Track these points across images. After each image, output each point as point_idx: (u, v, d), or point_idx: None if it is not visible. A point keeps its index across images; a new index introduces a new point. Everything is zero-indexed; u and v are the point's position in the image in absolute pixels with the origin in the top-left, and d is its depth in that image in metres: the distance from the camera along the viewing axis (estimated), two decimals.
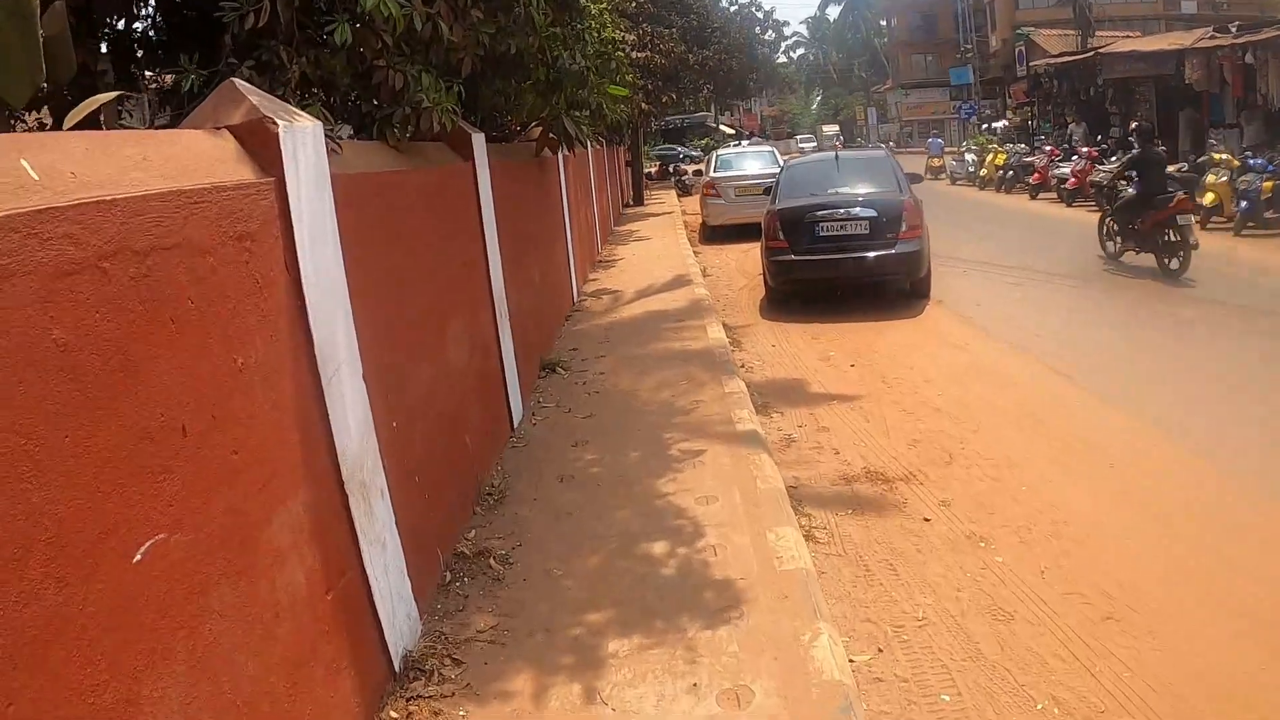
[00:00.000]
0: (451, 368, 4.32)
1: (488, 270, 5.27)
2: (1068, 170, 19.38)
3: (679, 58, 21.27)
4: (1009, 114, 32.09)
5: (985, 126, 31.98)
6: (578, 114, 7.20)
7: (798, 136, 62.92)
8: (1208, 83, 20.20)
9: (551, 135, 7.13)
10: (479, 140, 5.24)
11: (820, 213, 9.30)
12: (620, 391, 6.33)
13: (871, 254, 9.11)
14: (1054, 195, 20.07)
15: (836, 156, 10.77)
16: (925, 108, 60.97)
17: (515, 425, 5.63)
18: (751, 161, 16.65)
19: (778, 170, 15.30)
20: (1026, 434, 5.59)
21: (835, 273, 9.39)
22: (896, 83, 63.19)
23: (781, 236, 9.44)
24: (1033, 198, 20.71)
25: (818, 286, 9.70)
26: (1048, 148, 21.72)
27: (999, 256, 12.42)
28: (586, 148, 12.00)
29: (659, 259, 13.09)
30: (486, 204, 5.30)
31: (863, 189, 9.72)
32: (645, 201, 23.75)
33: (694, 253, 14.41)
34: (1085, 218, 16.48)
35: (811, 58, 76.82)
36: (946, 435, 5.64)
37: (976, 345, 7.91)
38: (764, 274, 10.17)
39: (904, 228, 9.13)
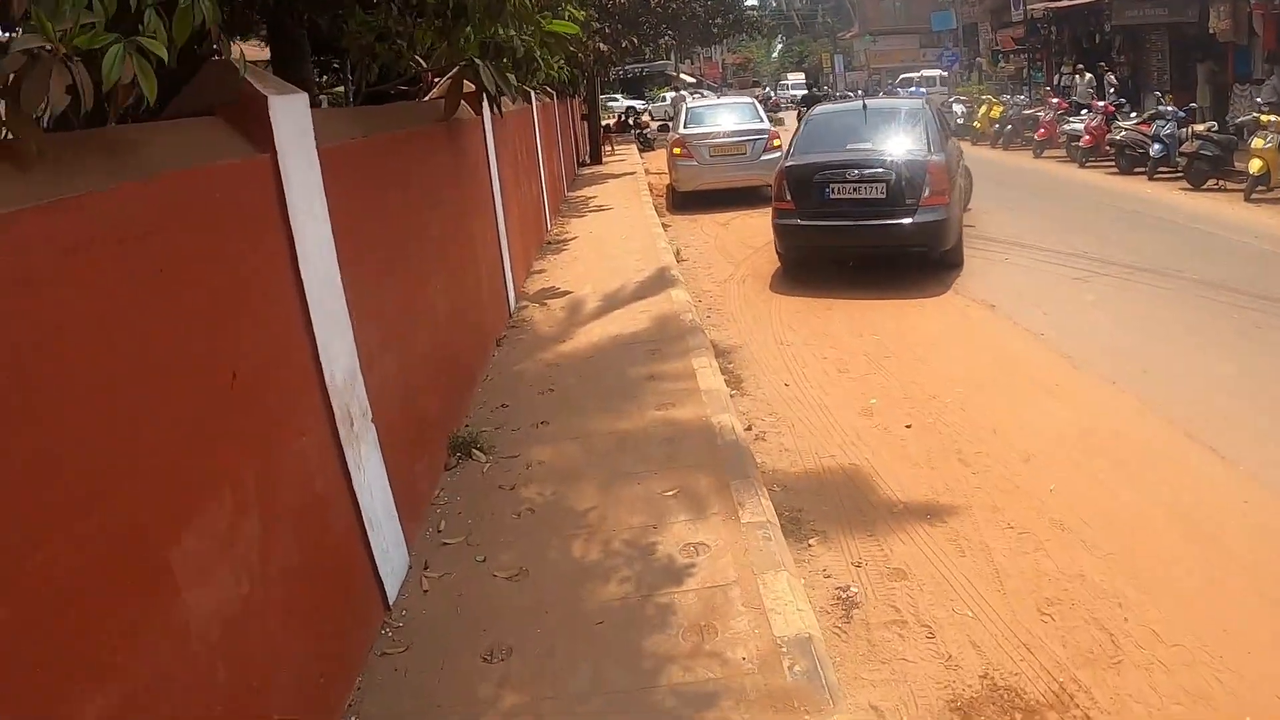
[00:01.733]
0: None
1: (311, 341, 2.82)
2: (1080, 126, 17.15)
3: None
4: (1002, 62, 29.62)
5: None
6: (500, 62, 4.74)
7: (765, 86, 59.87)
8: (1234, 33, 17.96)
9: (470, 88, 4.67)
10: (286, 106, 2.76)
11: (831, 172, 8.12)
12: (568, 516, 3.90)
13: (887, 222, 7.93)
14: (1062, 153, 17.89)
15: (864, 105, 9.25)
16: (894, 55, 58.54)
17: (391, 601, 3.23)
18: (728, 115, 14.09)
19: (762, 126, 12.94)
20: (1217, 581, 3.35)
21: (845, 241, 8.31)
22: (863, 29, 60.60)
23: (789, 197, 8.33)
24: (1037, 155, 18.48)
25: (826, 256, 8.68)
26: (1054, 100, 19.42)
27: (1037, 235, 10.09)
28: (530, 102, 9.47)
29: (622, 238, 10.59)
30: (309, 212, 2.85)
31: (886, 146, 8.36)
32: (604, 159, 21.06)
33: (663, 225, 11.93)
34: (1112, 183, 14.37)
35: (773, 3, 73.72)
36: (1096, 590, 3.44)
37: (1071, 388, 5.61)
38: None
39: (927, 193, 7.87)
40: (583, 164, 20.53)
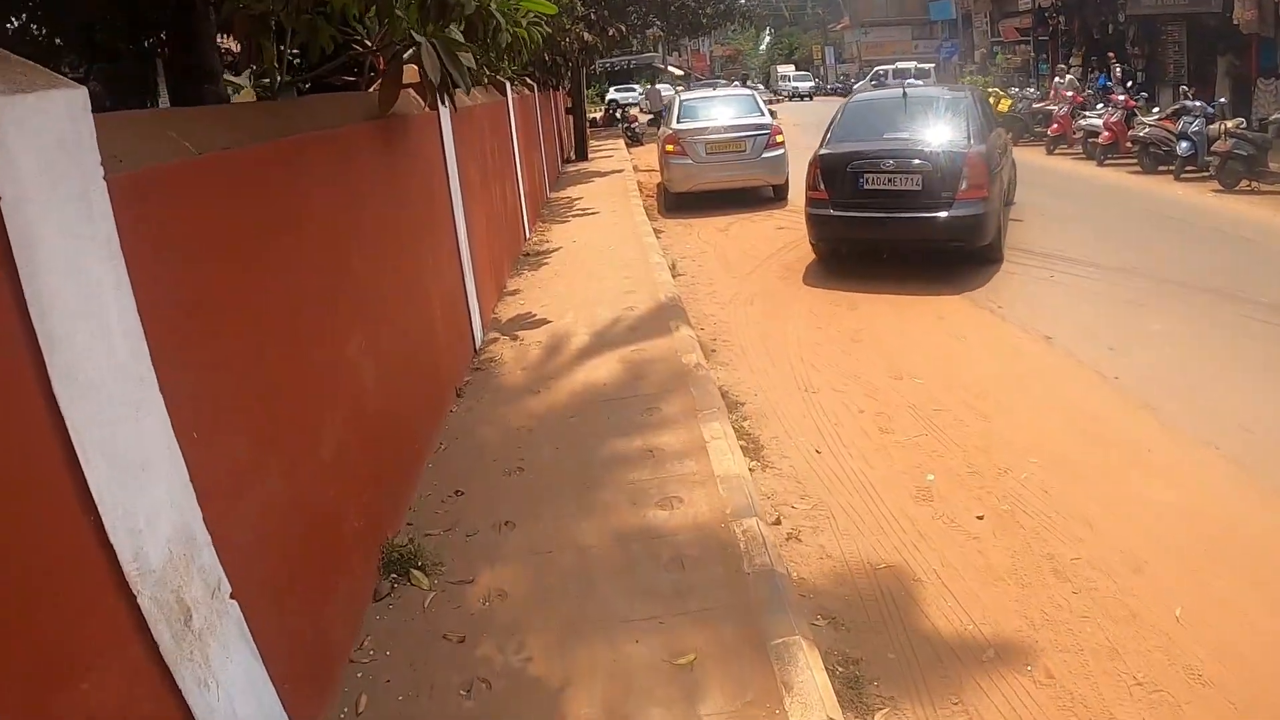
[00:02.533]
0: None
1: (86, 503, 1.60)
2: (1099, 122, 16.05)
3: None
4: (1000, 54, 28.45)
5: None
6: (446, 35, 3.53)
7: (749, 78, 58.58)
8: (1260, 25, 16.88)
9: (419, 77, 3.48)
10: (24, 112, 1.52)
11: (866, 161, 7.92)
12: (537, 698, 2.69)
13: (922, 215, 7.71)
14: (1076, 150, 16.79)
15: (905, 94, 8.82)
16: (886, 46, 57.43)
17: None
18: (725, 108, 12.86)
19: (763, 120, 11.77)
20: None
21: (878, 234, 8.09)
22: (855, 20, 59.45)
23: (821, 186, 8.13)
24: (1050, 152, 17.36)
25: (859, 248, 8.51)
26: (1068, 93, 18.28)
27: (1074, 245, 8.96)
28: (505, 94, 8.29)
29: (610, 248, 9.38)
30: (78, 280, 1.63)
31: (924, 136, 8.08)
32: (589, 155, 19.79)
33: (655, 231, 10.71)
34: (1137, 183, 13.28)
35: None
36: None
37: (1166, 456, 4.49)
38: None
39: (964, 186, 7.59)
40: (568, 161, 19.26)
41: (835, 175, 8.05)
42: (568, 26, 12.24)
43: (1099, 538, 3.78)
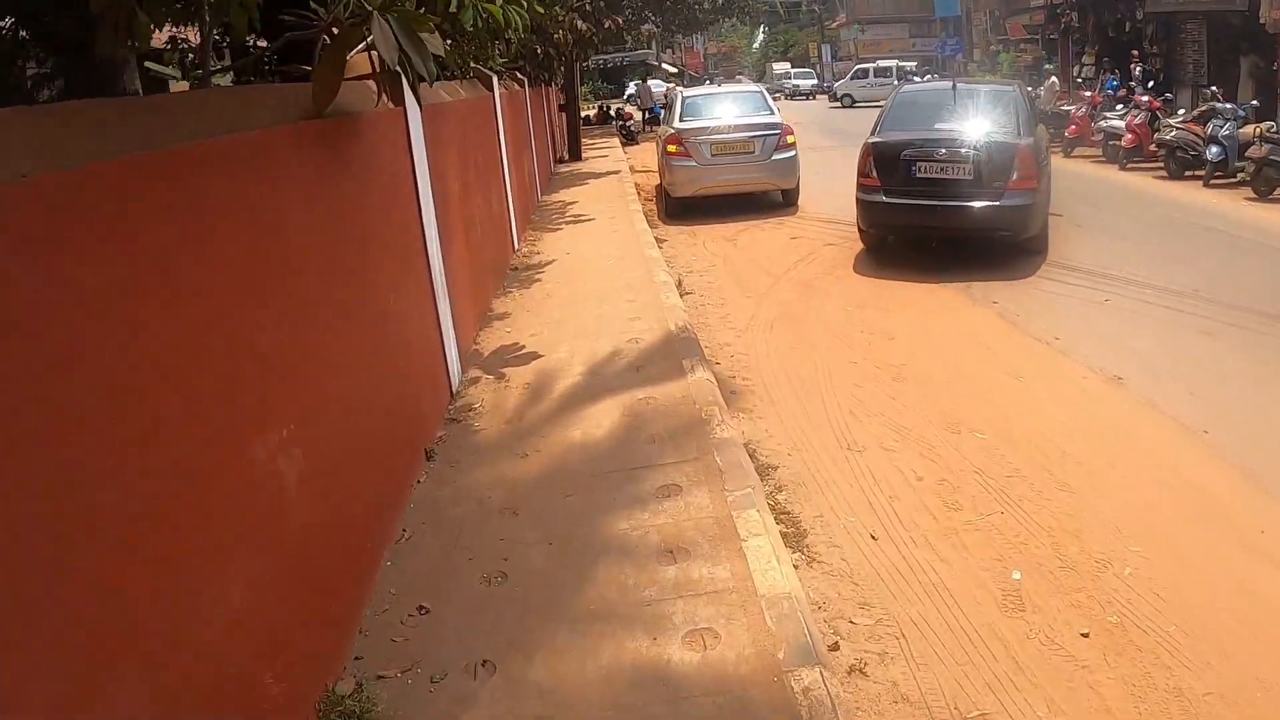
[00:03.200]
0: None
1: None
2: (1121, 124, 15.22)
3: None
4: (1001, 52, 27.57)
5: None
6: (411, 12, 2.62)
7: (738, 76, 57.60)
8: None
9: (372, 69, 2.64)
10: None
11: (918, 150, 8.03)
12: None
13: (974, 204, 7.81)
14: (1095, 152, 15.95)
15: (954, 86, 8.98)
16: (883, 44, 56.64)
17: None
18: (731, 106, 11.93)
19: (772, 119, 10.90)
20: None
21: (929, 221, 8.23)
22: (851, 18, 58.60)
23: (874, 173, 8.25)
24: (1067, 154, 16.50)
25: (909, 235, 8.69)
26: (1087, 94, 17.45)
27: (1118, 261, 8.15)
28: (492, 89, 7.43)
29: (608, 261, 8.46)
30: None
31: (975, 127, 8.16)
32: (583, 155, 18.83)
33: (657, 240, 9.81)
34: (1165, 189, 12.51)
35: None
36: None
37: None
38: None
39: (1015, 176, 7.74)
40: (560, 161, 18.31)
41: (888, 163, 8.13)
42: (561, 16, 11.32)
43: (1230, 664, 2.94)
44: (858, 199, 8.50)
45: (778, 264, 8.80)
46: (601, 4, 14.84)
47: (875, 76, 37.44)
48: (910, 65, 39.07)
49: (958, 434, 4.77)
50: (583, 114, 31.18)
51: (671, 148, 11.27)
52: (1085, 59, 22.88)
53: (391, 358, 3.82)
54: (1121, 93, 17.62)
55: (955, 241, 8.42)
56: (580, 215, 11.22)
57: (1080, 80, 19.58)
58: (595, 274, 7.91)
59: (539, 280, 7.89)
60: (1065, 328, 6.43)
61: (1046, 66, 21.81)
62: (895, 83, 36.29)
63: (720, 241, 10.12)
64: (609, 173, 15.66)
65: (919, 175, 7.98)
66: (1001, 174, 7.71)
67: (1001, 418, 4.95)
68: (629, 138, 23.88)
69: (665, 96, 32.61)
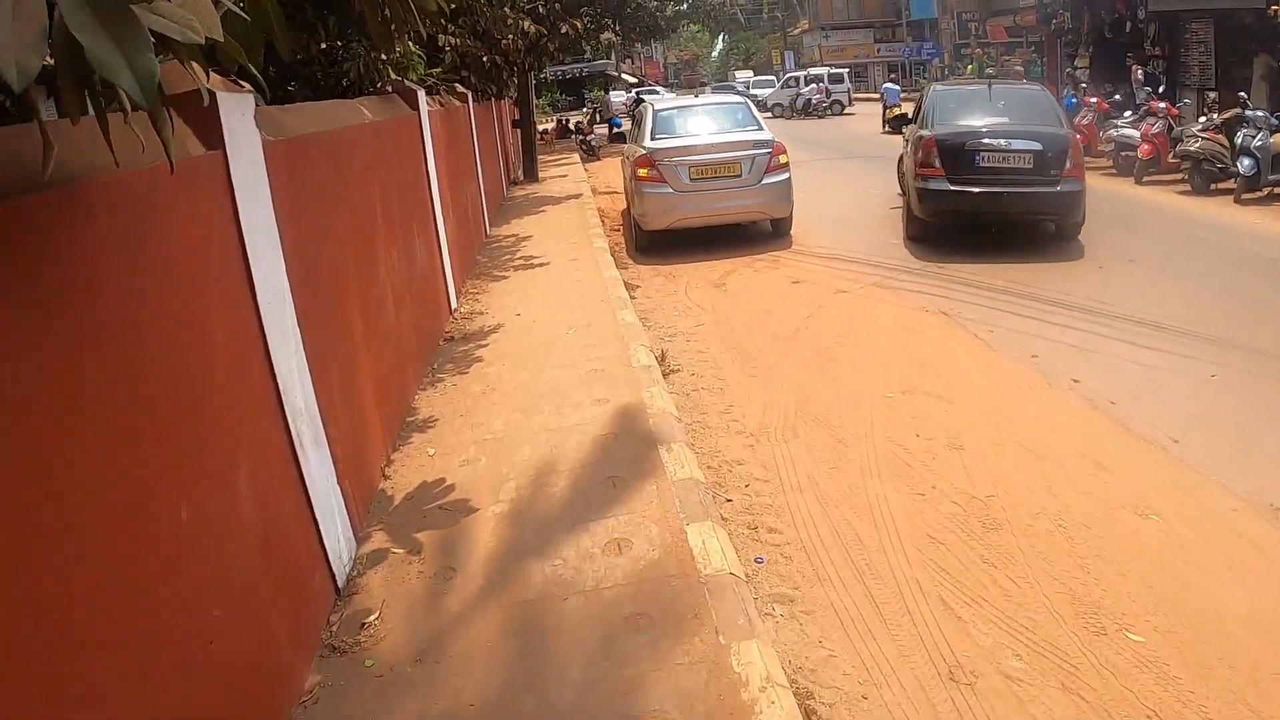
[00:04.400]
0: None
1: None
2: (1134, 133, 13.74)
3: None
4: (1007, 58, 26.16)
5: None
6: None
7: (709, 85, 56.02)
8: None
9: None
10: None
11: (983, 141, 8.59)
12: None
13: (1034, 190, 8.46)
14: (1105, 163, 14.44)
15: (990, 85, 9.91)
16: (848, 50, 55.63)
17: None
18: (711, 121, 10.16)
19: (761, 135, 9.24)
20: None
21: (993, 207, 8.65)
22: (815, 23, 57.43)
23: (938, 164, 8.64)
24: None
25: (970, 220, 8.98)
26: (1092, 99, 15.98)
27: (1192, 313, 6.61)
28: (417, 108, 5.71)
29: (568, 326, 6.63)
30: None
31: (1025, 121, 8.89)
32: (540, 175, 16.96)
33: (628, 286, 8.02)
34: (1191, 206, 11.19)
35: None
36: None
37: None
38: (908, 205, 9.52)
39: (1069, 165, 8.43)
40: (515, 182, 16.43)
41: (952, 153, 8.59)
42: (509, 19, 9.51)
43: None
44: (917, 190, 8.87)
45: (782, 321, 7.03)
46: (557, 6, 13.06)
47: (806, 85, 35.92)
48: (841, 71, 37.65)
49: (1103, 635, 3.04)
50: (540, 127, 29.39)
51: (642, 171, 9.47)
52: (1078, 62, 21.52)
53: (209, 599, 1.96)
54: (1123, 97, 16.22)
55: (1008, 226, 9.08)
56: (535, 257, 9.35)
57: (1083, 87, 18.08)
58: (553, 349, 6.06)
59: (479, 359, 6.02)
60: (1179, 422, 4.75)
61: (1069, 70, 20.32)
62: (829, 86, 35.27)
63: (705, 287, 8.32)
64: (569, 197, 13.82)
65: (982, 164, 8.50)
66: (1057, 163, 8.36)
67: (1153, 596, 3.24)
68: (590, 153, 22.09)
69: (626, 106, 30.85)
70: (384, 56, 5.81)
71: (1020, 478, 4.23)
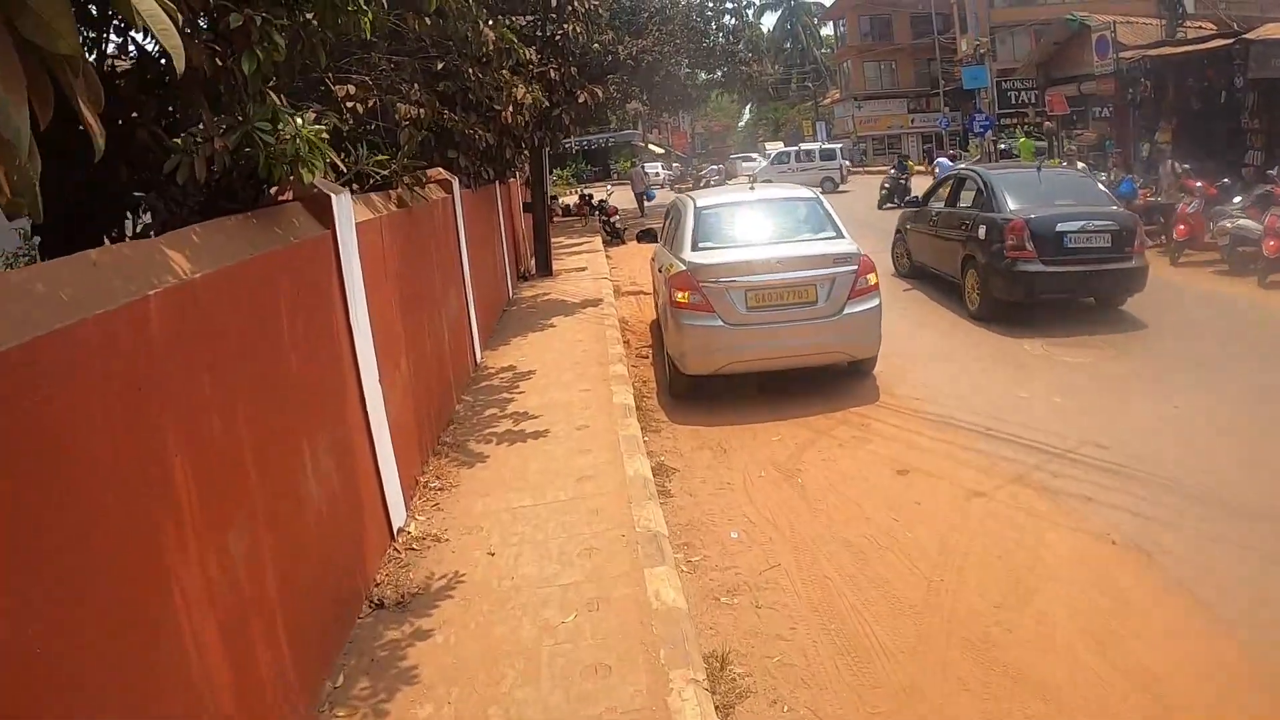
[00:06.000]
0: None
1: None
2: (1256, 225, 11.32)
3: (606, 47, 12.64)
4: (1079, 132, 23.68)
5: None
6: None
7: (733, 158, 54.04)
8: None
9: None
10: None
11: (1072, 224, 8.90)
12: None
13: (1115, 266, 8.87)
14: (1210, 256, 12.03)
15: (1039, 169, 10.44)
16: (881, 120, 53.85)
17: None
18: (772, 223, 7.64)
19: (844, 247, 6.66)
20: None
21: (1081, 286, 9.13)
22: (846, 93, 55.75)
23: (1030, 246, 8.81)
24: (1174, 262, 12.46)
25: (1059, 298, 9.30)
26: (1197, 184, 13.41)
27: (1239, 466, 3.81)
28: (379, 210, 3.26)
29: (562, 599, 4.00)
30: None
31: (1090, 203, 9.36)
32: (555, 267, 14.50)
33: (659, 474, 5.44)
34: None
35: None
36: None
37: None
38: (981, 283, 9.48)
39: (1136, 243, 8.97)
40: (525, 277, 13.97)
41: (1044, 236, 8.83)
42: (504, 81, 7.13)
43: None
44: (1013, 273, 8.91)
45: (899, 564, 4.40)
46: (574, 72, 10.74)
47: (798, 161, 33.95)
48: (834, 147, 35.65)
49: None
50: (561, 200, 27.20)
51: (681, 295, 6.92)
52: (1159, 136, 19.06)
53: None
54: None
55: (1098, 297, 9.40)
56: (529, 416, 6.72)
57: (1184, 169, 15.55)
58: (535, 660, 3.42)
59: (408, 671, 3.39)
60: None
61: (1161, 146, 17.84)
62: (819, 164, 33.35)
63: (772, 476, 5.70)
64: (587, 302, 11.30)
65: (1070, 245, 8.80)
66: (1129, 239, 8.87)
67: None
68: (614, 236, 19.73)
69: (657, 177, 28.57)
70: (268, 138, 3.33)
71: None
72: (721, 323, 6.78)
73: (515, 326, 10.21)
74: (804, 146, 36.97)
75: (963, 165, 15.76)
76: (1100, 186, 10.08)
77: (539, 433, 6.19)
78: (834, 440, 6.26)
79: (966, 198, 10.57)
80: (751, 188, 8.21)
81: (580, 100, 10.48)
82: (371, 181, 5.64)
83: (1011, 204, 9.28)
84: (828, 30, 63.74)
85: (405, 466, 4.99)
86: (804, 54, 63.55)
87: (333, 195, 4.12)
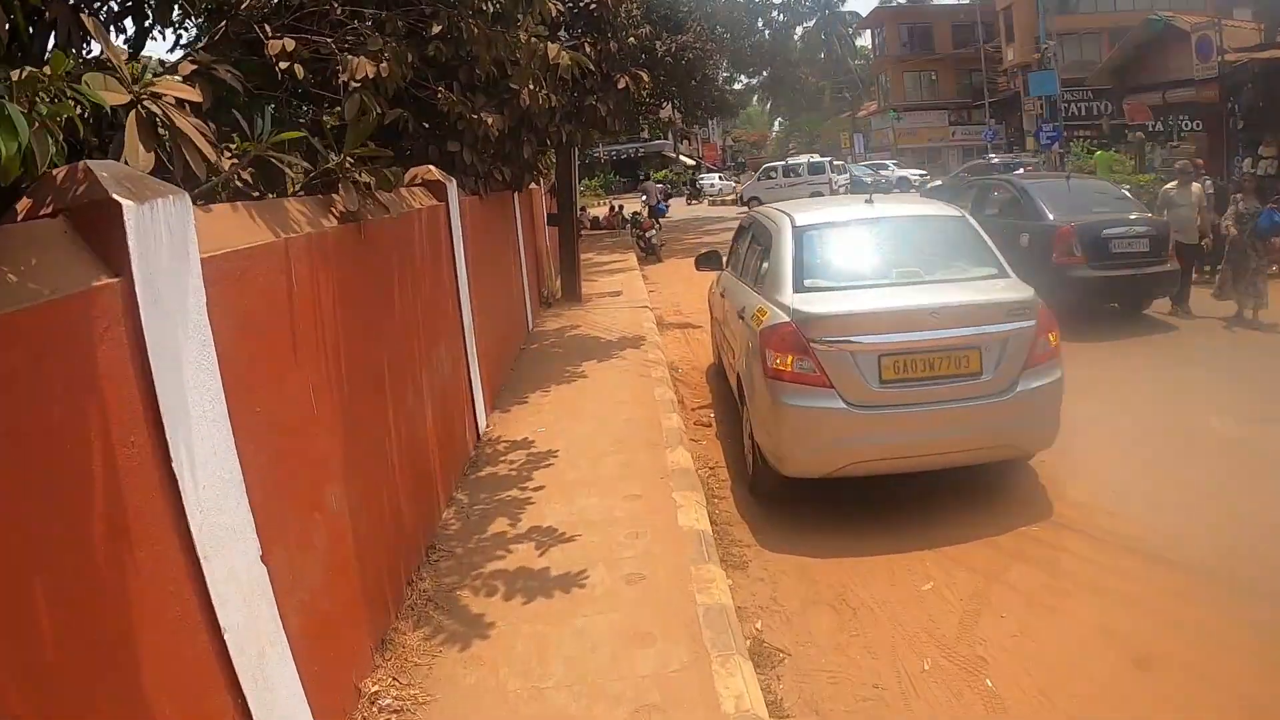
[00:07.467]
0: None
1: None
2: None
3: (642, 43, 10.60)
4: (1175, 145, 21.20)
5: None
6: None
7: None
8: None
9: None
10: None
11: (1116, 230, 9.15)
12: None
13: (1155, 270, 9.16)
14: None
15: (1068, 179, 10.62)
16: (920, 133, 51.49)
17: None
18: (908, 253, 5.27)
19: (1019, 295, 4.30)
20: None
21: (1125, 289, 9.41)
22: (884, 105, 53.43)
23: (1079, 252, 9.02)
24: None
25: (1105, 300, 9.61)
26: None
27: None
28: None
29: None
30: None
31: (1121, 210, 9.62)
32: (584, 291, 12.26)
33: (760, 666, 3.23)
34: None
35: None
36: None
37: None
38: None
39: (1169, 248, 9.28)
40: (549, 304, 11.74)
41: (1091, 243, 9.02)
42: (520, 43, 4.93)
43: None
44: (1064, 278, 8.73)
45: None
46: (612, 48, 8.65)
47: (785, 176, 32.49)
48: (824, 160, 33.56)
49: None
50: (590, 212, 25.05)
51: (781, 361, 4.65)
52: (1263, 150, 16.71)
53: None
54: None
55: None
56: (550, 554, 4.40)
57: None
58: None
59: None
60: None
61: (1247, 161, 15.48)
62: (808, 179, 31.39)
63: (944, 673, 3.44)
64: (625, 342, 9.05)
65: (1115, 250, 9.08)
66: (1163, 245, 9.23)
67: None
68: (649, 253, 17.51)
69: (661, 195, 26.60)
70: None
71: None
72: (843, 404, 4.50)
73: (535, 374, 7.96)
74: (791, 161, 35.29)
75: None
76: (1127, 196, 10.31)
77: (567, 582, 3.91)
78: (1014, 591, 3.97)
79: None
80: (868, 201, 5.76)
81: (620, 86, 8.29)
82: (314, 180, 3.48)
83: (1053, 209, 9.49)
84: (862, 41, 61.47)
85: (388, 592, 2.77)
86: (838, 64, 61.24)
87: (124, 203, 1.90)
